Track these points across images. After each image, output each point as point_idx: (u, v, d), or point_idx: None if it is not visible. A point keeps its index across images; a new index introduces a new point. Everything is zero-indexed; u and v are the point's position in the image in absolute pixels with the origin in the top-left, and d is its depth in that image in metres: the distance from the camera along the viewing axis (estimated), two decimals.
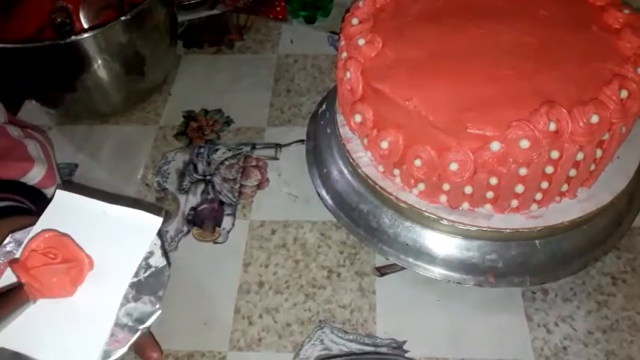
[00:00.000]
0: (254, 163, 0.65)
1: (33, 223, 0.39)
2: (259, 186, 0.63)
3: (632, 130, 0.48)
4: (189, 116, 0.71)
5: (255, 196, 0.62)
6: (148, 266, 0.38)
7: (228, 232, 0.59)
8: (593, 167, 0.47)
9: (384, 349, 0.50)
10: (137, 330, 0.36)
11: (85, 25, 0.71)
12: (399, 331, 0.50)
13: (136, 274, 0.38)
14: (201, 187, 0.63)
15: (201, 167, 0.65)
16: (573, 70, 0.46)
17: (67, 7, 0.71)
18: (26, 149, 0.50)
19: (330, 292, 0.54)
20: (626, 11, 0.49)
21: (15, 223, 0.42)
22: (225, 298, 0.54)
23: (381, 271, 0.55)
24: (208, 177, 0.64)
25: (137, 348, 0.38)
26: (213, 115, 0.70)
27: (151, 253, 0.39)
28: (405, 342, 0.50)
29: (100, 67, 0.62)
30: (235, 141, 0.67)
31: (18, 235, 0.40)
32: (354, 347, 0.50)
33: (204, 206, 0.61)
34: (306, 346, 0.50)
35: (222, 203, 0.61)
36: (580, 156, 0.44)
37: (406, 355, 0.49)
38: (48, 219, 0.39)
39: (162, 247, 0.39)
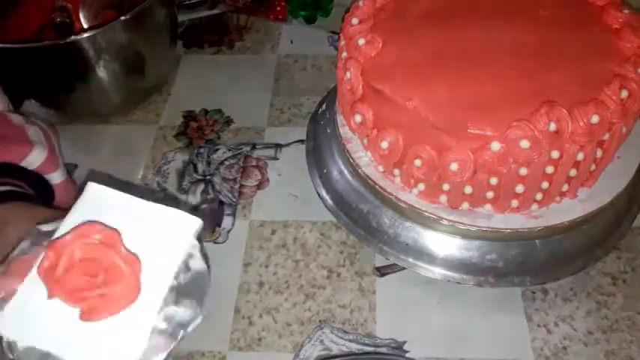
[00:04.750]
0: (254, 163, 0.65)
1: (35, 211, 0.38)
2: (259, 186, 0.63)
3: (632, 130, 0.48)
4: (189, 116, 0.71)
5: (255, 196, 0.62)
6: (188, 269, 0.36)
7: (228, 232, 0.59)
8: (593, 167, 0.47)
9: (384, 349, 0.50)
10: (177, 336, 0.34)
11: (85, 25, 0.71)
12: (399, 331, 0.50)
13: (176, 277, 0.35)
14: (201, 187, 0.63)
15: (201, 167, 0.65)
16: (573, 70, 0.46)
17: (67, 7, 0.71)
18: (26, 134, 0.49)
19: (330, 292, 0.54)
20: (626, 11, 0.49)
21: (14, 208, 0.41)
22: (225, 298, 0.54)
23: (381, 271, 0.55)
24: (208, 177, 0.64)
25: None
26: (213, 115, 0.70)
27: (190, 256, 0.36)
28: (405, 342, 0.50)
29: (100, 67, 0.62)
30: (235, 141, 0.67)
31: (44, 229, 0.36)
32: (354, 347, 0.50)
33: (204, 206, 0.61)
34: (306, 346, 0.50)
35: (222, 203, 0.61)
36: (580, 156, 0.44)
37: (406, 355, 0.49)
38: (79, 215, 0.35)
39: (202, 250, 0.37)
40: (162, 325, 0.34)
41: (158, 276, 0.35)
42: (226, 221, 0.60)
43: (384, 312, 0.52)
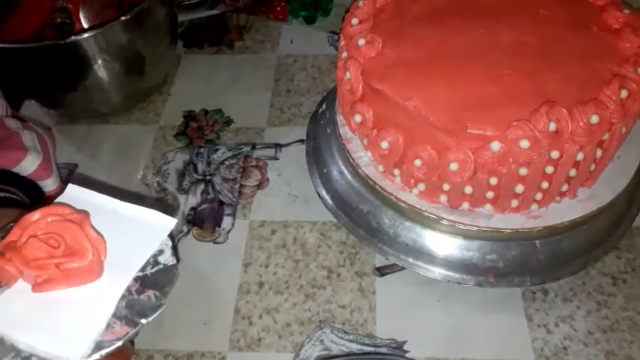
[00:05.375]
0: (254, 163, 0.65)
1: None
2: (259, 186, 0.63)
3: (632, 130, 0.48)
4: (189, 116, 0.71)
5: (255, 196, 0.62)
6: (157, 263, 0.37)
7: (228, 232, 0.59)
8: (593, 167, 0.47)
9: (384, 349, 0.50)
10: (137, 323, 0.35)
11: (85, 25, 0.71)
12: (399, 331, 0.51)
13: (143, 269, 0.37)
14: (201, 187, 0.63)
15: (201, 167, 0.65)
16: (573, 70, 0.46)
17: (67, 7, 0.71)
18: (21, 139, 0.49)
19: (330, 292, 0.54)
20: (626, 11, 0.49)
21: (6, 215, 0.41)
22: (225, 298, 0.54)
23: (381, 271, 0.55)
24: (208, 177, 0.64)
25: None
26: (213, 115, 0.70)
27: (160, 252, 0.38)
28: (405, 342, 0.50)
29: (100, 67, 0.62)
30: (235, 141, 0.67)
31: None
32: (354, 347, 0.50)
33: (204, 206, 0.61)
34: (306, 346, 0.50)
35: (222, 203, 0.61)
36: (580, 156, 0.44)
37: (406, 355, 0.49)
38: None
39: (174, 247, 0.39)
40: (123, 312, 0.35)
41: (125, 266, 0.36)
42: (226, 221, 0.60)
43: (384, 312, 0.52)
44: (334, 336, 0.51)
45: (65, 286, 0.35)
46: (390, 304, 0.52)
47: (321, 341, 0.50)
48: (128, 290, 0.36)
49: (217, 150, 0.66)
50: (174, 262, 0.38)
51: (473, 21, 0.50)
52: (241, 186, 0.63)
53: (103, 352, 0.33)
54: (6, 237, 0.35)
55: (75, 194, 0.39)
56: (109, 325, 0.34)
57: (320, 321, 0.52)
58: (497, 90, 0.45)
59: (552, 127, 0.42)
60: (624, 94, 0.43)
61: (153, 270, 0.37)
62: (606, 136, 0.44)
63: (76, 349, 0.33)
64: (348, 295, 0.53)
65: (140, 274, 0.37)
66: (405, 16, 0.52)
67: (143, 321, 0.35)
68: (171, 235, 0.39)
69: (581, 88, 0.44)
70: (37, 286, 0.34)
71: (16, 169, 0.47)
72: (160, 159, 0.66)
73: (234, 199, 0.61)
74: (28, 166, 0.48)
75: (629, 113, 0.44)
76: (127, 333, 0.34)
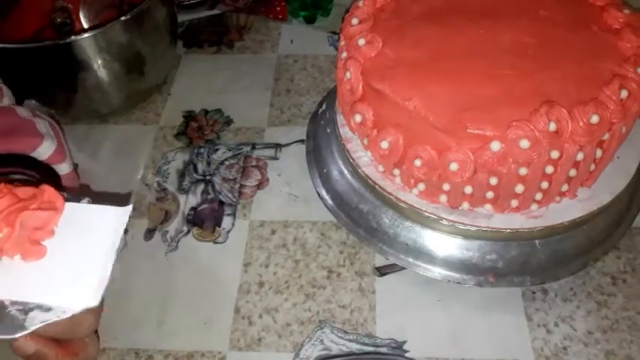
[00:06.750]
0: (254, 163, 0.65)
1: None
2: (259, 186, 0.63)
3: (632, 130, 0.48)
4: (189, 116, 0.71)
5: (255, 196, 0.62)
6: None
7: (228, 232, 0.59)
8: (593, 167, 0.47)
9: (384, 349, 0.50)
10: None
11: (85, 25, 0.71)
12: (399, 331, 0.51)
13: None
14: (201, 187, 0.63)
15: (201, 167, 0.65)
16: (573, 70, 0.46)
17: (67, 7, 0.71)
18: (35, 126, 0.51)
19: (330, 292, 0.54)
20: (626, 11, 0.49)
21: None
22: (225, 298, 0.54)
23: (381, 271, 0.55)
24: (208, 177, 0.64)
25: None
26: (213, 115, 0.70)
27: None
28: (405, 342, 0.50)
29: (99, 67, 0.62)
30: (235, 141, 0.67)
31: None
32: (354, 347, 0.50)
33: (204, 206, 0.61)
34: (306, 346, 0.50)
35: (222, 203, 0.61)
36: (580, 156, 0.44)
37: (406, 355, 0.49)
38: None
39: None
40: None
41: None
42: (226, 221, 0.60)
43: (384, 312, 0.52)
44: (334, 336, 0.51)
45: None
46: (390, 304, 0.52)
47: (321, 341, 0.50)
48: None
49: (217, 150, 0.66)
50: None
51: (473, 21, 0.50)
52: (241, 186, 0.63)
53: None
54: None
55: None
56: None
57: (320, 321, 0.52)
58: (497, 90, 0.45)
59: (552, 127, 0.42)
60: (624, 94, 0.43)
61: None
62: (606, 136, 0.44)
63: (93, 293, 0.32)
64: (348, 294, 0.53)
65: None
66: (405, 16, 0.52)
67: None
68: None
69: (581, 88, 0.44)
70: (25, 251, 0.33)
71: (33, 155, 0.49)
72: (160, 159, 0.66)
73: (234, 199, 0.61)
74: (44, 151, 0.49)
75: (629, 113, 0.44)
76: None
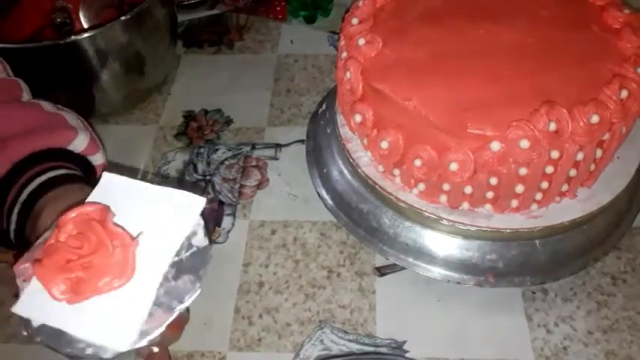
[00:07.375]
0: (254, 163, 0.65)
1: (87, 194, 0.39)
2: (259, 186, 0.63)
3: (632, 130, 0.48)
4: (189, 116, 0.71)
5: (255, 196, 0.62)
6: (190, 246, 0.38)
7: (228, 232, 0.59)
8: (593, 167, 0.47)
9: (384, 349, 0.50)
10: (174, 309, 0.35)
11: (85, 25, 0.71)
12: (399, 331, 0.51)
13: (177, 254, 0.37)
14: (201, 187, 0.63)
15: (201, 167, 0.65)
16: (573, 70, 0.46)
17: (67, 7, 0.71)
18: (65, 120, 0.51)
19: (330, 292, 0.54)
20: (626, 11, 0.49)
21: (71, 190, 0.43)
22: (225, 298, 0.54)
23: (381, 271, 0.55)
24: (208, 177, 0.64)
25: (148, 358, 0.38)
26: (213, 115, 0.70)
27: (193, 233, 0.38)
28: (405, 342, 0.50)
29: (100, 67, 0.62)
30: (235, 141, 0.67)
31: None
32: (354, 347, 0.50)
33: (204, 206, 0.61)
34: (306, 346, 0.50)
35: (222, 203, 0.61)
36: (580, 156, 0.44)
37: (406, 355, 0.49)
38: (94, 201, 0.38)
39: (206, 227, 0.39)
40: (162, 299, 0.35)
41: (160, 253, 0.36)
42: (226, 221, 0.60)
43: (384, 312, 0.52)
44: (334, 336, 0.51)
45: (96, 288, 0.34)
46: (390, 304, 0.52)
47: (321, 341, 0.50)
48: (165, 277, 0.36)
49: (217, 150, 0.66)
50: (207, 243, 0.38)
51: (473, 21, 0.50)
52: (241, 186, 0.63)
53: (148, 338, 0.34)
54: (50, 239, 0.36)
55: (110, 182, 0.40)
56: (150, 314, 0.34)
57: (320, 321, 0.52)
58: (498, 90, 0.45)
59: (552, 127, 0.42)
60: (624, 94, 0.43)
61: (187, 253, 0.37)
62: (606, 136, 0.44)
63: (124, 339, 0.33)
64: (348, 295, 0.53)
65: (176, 258, 0.37)
66: (405, 16, 0.52)
67: (181, 306, 0.35)
68: (202, 215, 0.39)
69: (581, 88, 0.44)
70: (71, 294, 0.34)
71: (69, 148, 0.49)
72: (160, 159, 0.66)
73: (234, 199, 0.61)
74: (79, 144, 0.49)
75: (629, 113, 0.44)
76: (167, 319, 0.35)
